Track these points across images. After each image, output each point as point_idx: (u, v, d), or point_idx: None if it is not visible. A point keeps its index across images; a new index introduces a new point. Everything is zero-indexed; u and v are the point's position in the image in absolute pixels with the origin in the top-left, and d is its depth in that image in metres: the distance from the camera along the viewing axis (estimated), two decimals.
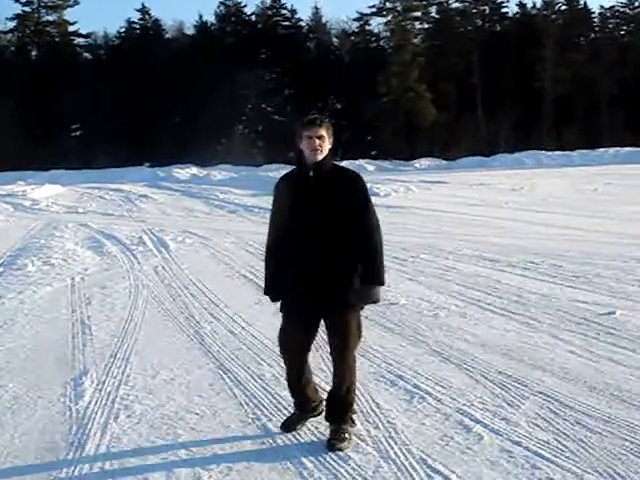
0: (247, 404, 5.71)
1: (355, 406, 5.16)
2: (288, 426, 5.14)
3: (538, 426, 5.13)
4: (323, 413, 5.18)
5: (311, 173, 4.91)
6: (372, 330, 7.78)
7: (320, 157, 4.89)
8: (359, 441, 4.97)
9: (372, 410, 5.53)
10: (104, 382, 6.42)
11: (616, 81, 59.06)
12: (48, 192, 30.48)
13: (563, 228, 15.62)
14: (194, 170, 42.39)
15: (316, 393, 5.25)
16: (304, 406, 5.19)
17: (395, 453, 4.77)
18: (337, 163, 5.13)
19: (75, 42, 65.09)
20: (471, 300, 9.07)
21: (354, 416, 5.11)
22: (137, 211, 22.98)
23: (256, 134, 57.75)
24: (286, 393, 5.52)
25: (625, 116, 57.77)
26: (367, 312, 8.64)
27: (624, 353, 6.73)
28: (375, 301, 4.98)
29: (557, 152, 47.70)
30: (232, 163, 45.45)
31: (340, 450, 4.78)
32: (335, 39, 67.71)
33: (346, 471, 4.56)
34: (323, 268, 4.83)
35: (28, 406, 5.93)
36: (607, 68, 59.18)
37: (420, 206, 21.04)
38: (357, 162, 45.29)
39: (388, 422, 5.29)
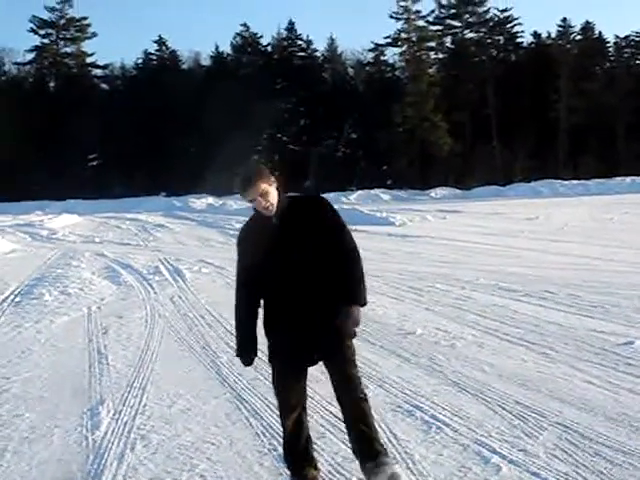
0: (264, 434, 5.69)
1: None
2: None
3: (557, 457, 5.08)
4: None
5: (274, 220, 4.56)
6: (388, 360, 7.76)
7: (273, 209, 4.53)
8: None
9: (389, 441, 5.49)
10: (121, 412, 6.42)
11: (632, 110, 59.06)
12: (65, 222, 30.67)
13: (580, 257, 15.56)
14: (210, 200, 42.59)
15: (314, 458, 4.81)
16: (304, 473, 4.69)
17: None
18: (292, 195, 4.75)
19: (93, 73, 65.81)
20: (488, 330, 9.03)
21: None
22: (153, 240, 23.08)
23: (272, 164, 58.01)
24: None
25: None
26: (383, 342, 8.67)
27: None
28: (356, 324, 4.57)
29: (573, 181, 47.68)
30: None
31: (399, 475, 4.52)
32: (350, 69, 68.11)
33: None
34: (308, 305, 4.51)
35: (45, 436, 5.93)
36: (622, 97, 59.21)
37: (436, 235, 21.03)
38: (372, 191, 45.40)
39: (406, 453, 5.25)
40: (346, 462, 5.10)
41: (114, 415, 6.33)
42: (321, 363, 4.67)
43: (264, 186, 4.51)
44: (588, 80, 60.67)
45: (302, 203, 4.70)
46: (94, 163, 60.66)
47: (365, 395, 4.68)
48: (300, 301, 4.51)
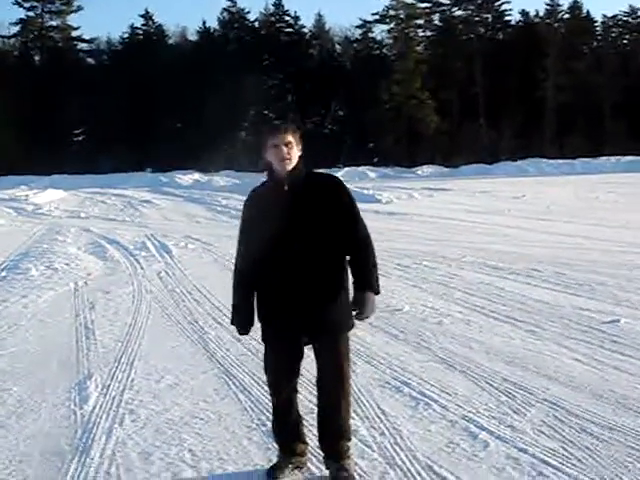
0: (252, 409, 5.70)
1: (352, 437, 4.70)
2: (276, 474, 4.53)
3: (544, 433, 5.12)
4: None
5: (286, 187, 4.43)
6: (376, 337, 7.78)
7: (290, 166, 4.42)
8: (365, 447, 4.96)
9: (378, 417, 5.52)
10: (109, 386, 6.41)
11: (619, 89, 59.13)
12: (50, 197, 30.51)
13: (566, 236, 15.62)
14: (196, 176, 42.42)
15: (304, 433, 4.74)
16: (293, 448, 4.63)
17: (401, 459, 4.76)
18: (312, 170, 4.62)
19: (78, 47, 65.21)
20: (475, 307, 9.07)
21: (350, 445, 4.64)
22: (139, 216, 23.01)
23: (259, 140, 57.76)
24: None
25: (628, 124, 57.82)
26: (371, 319, 8.63)
27: (629, 361, 6.72)
28: (372, 311, 4.51)
29: (559, 160, 47.76)
30: (235, 169, 45.53)
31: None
32: (338, 46, 67.81)
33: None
34: (309, 288, 4.38)
35: (33, 410, 5.92)
36: (610, 77, 59.27)
37: (422, 213, 21.06)
38: (359, 169, 45.36)
39: (394, 428, 5.28)
40: None
41: (102, 390, 6.33)
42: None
43: (292, 138, 4.44)
44: (575, 59, 60.65)
45: (320, 180, 4.57)
46: (80, 138, 60.31)
47: (349, 389, 4.60)
48: (300, 280, 4.37)
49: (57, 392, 6.32)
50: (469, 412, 5.57)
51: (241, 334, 4.75)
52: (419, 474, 4.54)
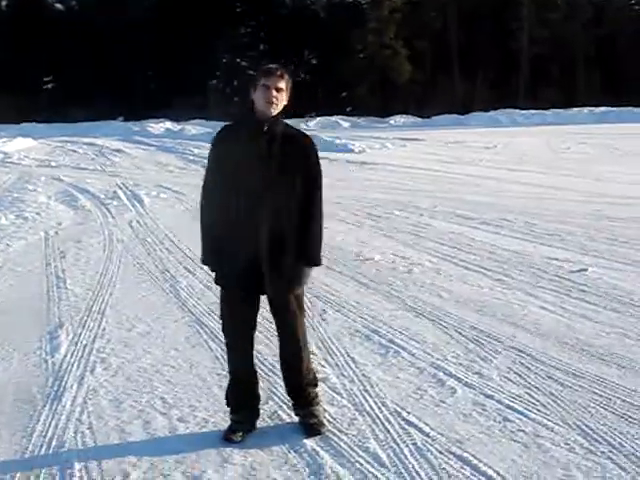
0: (223, 357, 5.70)
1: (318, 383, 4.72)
2: (231, 437, 4.44)
3: (510, 380, 5.22)
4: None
5: (266, 127, 4.32)
6: (347, 285, 7.84)
7: (274, 111, 4.33)
8: (334, 394, 5.03)
9: (347, 364, 5.59)
10: (80, 335, 6.43)
11: (592, 41, 59.03)
12: (20, 145, 30.10)
13: (537, 186, 15.71)
14: (168, 125, 42.00)
15: (259, 392, 4.67)
16: (250, 406, 4.59)
17: (370, 406, 4.83)
18: (289, 123, 4.51)
19: None
20: (445, 256, 9.14)
21: (318, 391, 4.68)
22: (111, 165, 22.80)
23: (231, 89, 57.28)
24: (262, 347, 5.56)
25: (601, 76, 57.86)
26: (342, 267, 8.73)
27: (595, 310, 6.84)
28: (304, 283, 4.51)
29: (532, 111, 47.74)
30: (207, 118, 45.12)
31: (321, 433, 4.44)
32: None
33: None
34: (269, 239, 4.32)
35: (4, 359, 5.93)
36: (584, 27, 59.11)
37: (395, 163, 21.05)
38: (332, 118, 45.13)
39: (363, 375, 5.35)
40: None
41: (73, 338, 6.35)
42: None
43: (284, 85, 4.36)
44: (550, 9, 60.36)
45: (296, 133, 4.48)
46: (49, 86, 59.36)
47: (306, 343, 4.59)
48: (262, 229, 4.30)
49: (28, 341, 6.32)
50: (437, 360, 5.65)
51: (214, 270, 4.57)
52: (387, 420, 4.62)
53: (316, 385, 4.65)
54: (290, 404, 4.70)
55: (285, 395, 4.76)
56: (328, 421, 4.62)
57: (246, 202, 4.32)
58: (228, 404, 4.61)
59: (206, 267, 4.70)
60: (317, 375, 4.76)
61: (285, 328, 4.54)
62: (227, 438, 4.44)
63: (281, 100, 4.37)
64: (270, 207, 4.31)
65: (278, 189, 4.31)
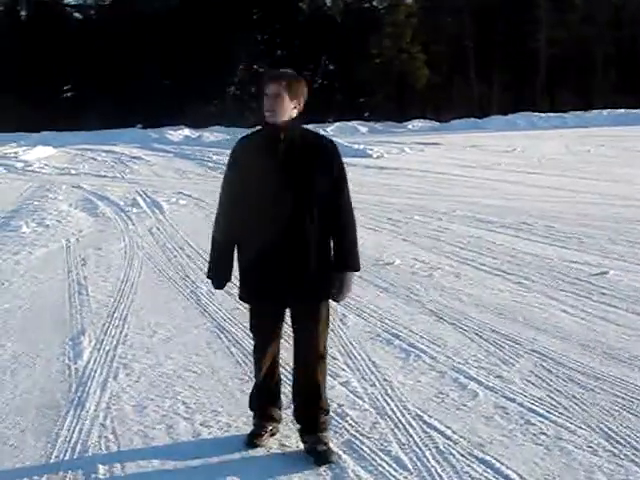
0: (244, 362, 5.76)
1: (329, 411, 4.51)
2: (255, 441, 4.42)
3: (532, 383, 5.22)
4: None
5: (282, 135, 4.17)
6: (367, 290, 7.85)
7: (274, 119, 4.16)
8: (356, 398, 5.05)
9: (368, 368, 5.60)
10: (102, 341, 6.48)
11: (610, 42, 58.77)
12: (40, 154, 30.31)
13: (556, 189, 15.67)
14: (187, 132, 42.17)
15: (281, 399, 4.64)
16: (270, 413, 4.52)
17: (392, 410, 4.84)
18: (308, 128, 4.41)
19: (65, 1, 64.35)
20: (465, 260, 9.14)
21: (328, 418, 4.47)
22: (130, 173, 22.93)
23: (249, 96, 57.45)
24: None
25: (619, 77, 57.58)
26: (362, 272, 8.67)
27: (616, 312, 6.82)
28: (349, 290, 4.40)
29: (550, 114, 47.58)
30: (225, 125, 45.26)
31: (332, 462, 4.19)
32: None
33: (343, 427, 4.63)
34: (296, 250, 4.19)
35: (27, 365, 5.98)
36: (602, 28, 58.86)
37: (413, 167, 21.05)
38: (349, 124, 45.14)
39: (384, 380, 5.36)
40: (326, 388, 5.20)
41: (96, 345, 6.39)
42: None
43: (281, 90, 4.15)
44: (568, 11, 60.14)
45: (316, 137, 4.38)
46: (68, 94, 59.76)
47: (324, 355, 4.42)
48: (289, 239, 4.18)
49: (51, 348, 6.37)
50: (458, 363, 5.65)
51: (216, 288, 4.58)
52: (409, 424, 4.63)
53: (328, 412, 4.44)
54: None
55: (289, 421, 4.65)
56: (350, 425, 4.64)
57: (268, 212, 4.18)
58: (251, 408, 4.58)
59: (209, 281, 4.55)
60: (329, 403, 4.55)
61: (306, 343, 4.35)
62: (251, 442, 4.42)
63: (280, 106, 4.16)
64: (293, 216, 4.16)
65: (300, 197, 4.17)
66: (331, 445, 4.33)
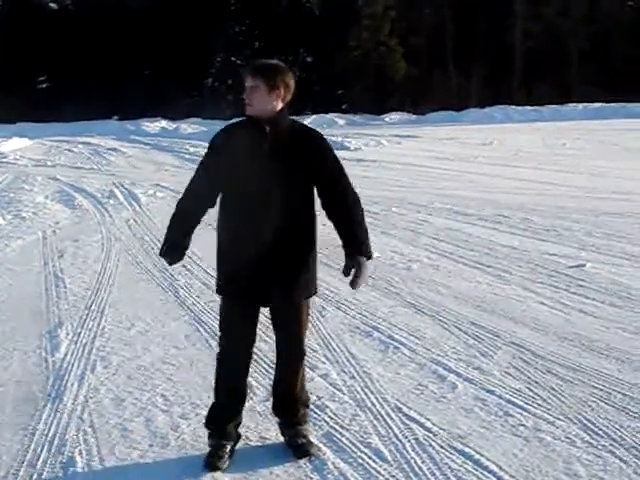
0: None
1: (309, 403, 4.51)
2: (216, 464, 4.11)
3: (510, 375, 5.24)
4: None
5: (267, 128, 4.05)
6: (345, 282, 7.77)
7: (252, 112, 4.05)
8: (335, 390, 5.05)
9: (347, 360, 5.60)
10: (79, 334, 6.43)
11: (586, 36, 59.06)
12: (15, 145, 30.05)
13: (533, 182, 15.73)
14: (164, 123, 41.98)
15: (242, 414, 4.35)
16: (233, 430, 4.25)
17: (371, 402, 4.85)
18: (295, 119, 4.29)
19: None
20: (443, 253, 9.16)
21: (308, 411, 4.46)
22: (107, 164, 22.77)
23: (226, 87, 57.23)
24: (262, 344, 5.55)
25: (594, 71, 57.90)
26: (341, 264, 8.68)
27: (594, 304, 6.86)
28: (366, 279, 4.26)
29: (527, 107, 47.75)
30: (202, 117, 45.09)
31: (312, 455, 4.18)
32: None
33: (323, 419, 4.63)
34: (279, 247, 4.05)
35: (4, 358, 5.94)
36: (577, 22, 59.13)
37: (391, 160, 21.05)
38: (327, 116, 45.11)
39: (364, 372, 5.36)
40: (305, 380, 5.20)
41: (73, 337, 6.35)
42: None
43: (259, 83, 4.03)
44: (544, 4, 60.37)
45: (302, 128, 4.26)
46: (44, 85, 59.27)
47: (304, 352, 4.31)
48: (272, 235, 4.03)
49: (28, 340, 6.33)
50: (437, 355, 5.67)
51: (170, 264, 4.46)
52: (389, 416, 4.64)
53: (308, 406, 4.42)
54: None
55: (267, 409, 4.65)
56: (330, 417, 4.64)
57: (253, 211, 4.04)
58: (208, 426, 4.27)
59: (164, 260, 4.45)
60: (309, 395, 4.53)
61: (290, 342, 4.25)
62: (212, 466, 4.09)
63: (257, 98, 4.04)
64: (278, 209, 4.01)
65: (287, 195, 4.03)
66: (310, 438, 4.32)
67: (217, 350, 4.33)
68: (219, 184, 4.15)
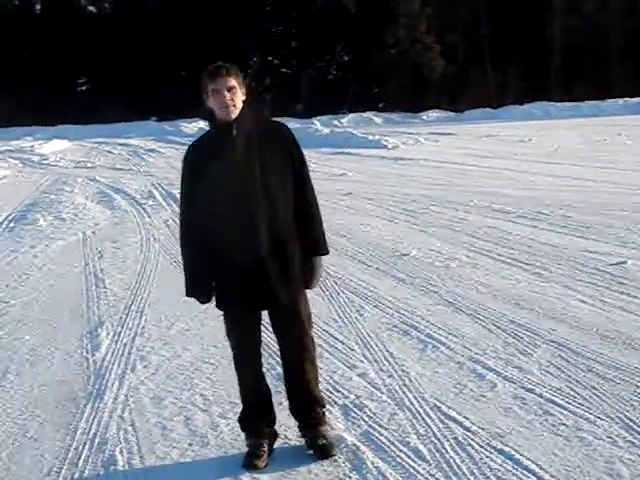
0: (262, 353, 5.75)
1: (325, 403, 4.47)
2: (254, 463, 4.13)
3: (550, 374, 5.19)
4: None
5: (234, 132, 3.97)
6: (384, 281, 7.83)
7: (234, 114, 3.98)
8: (374, 389, 5.04)
9: (386, 359, 5.59)
10: (120, 334, 6.50)
11: (624, 30, 58.36)
12: (56, 147, 30.42)
13: (573, 179, 15.57)
14: (201, 124, 42.13)
15: (275, 413, 4.40)
16: (266, 429, 4.29)
17: (410, 401, 4.83)
18: (256, 112, 4.26)
19: None
20: (482, 251, 9.09)
21: (326, 411, 4.43)
22: (145, 165, 22.97)
23: (263, 87, 57.42)
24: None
25: (634, 66, 57.18)
26: (379, 263, 8.73)
27: (635, 302, 6.76)
28: (320, 275, 4.25)
29: (566, 103, 47.33)
30: None
31: (333, 456, 4.17)
32: None
33: (362, 418, 4.63)
34: (267, 247, 4.00)
35: (46, 358, 6.02)
36: (616, 17, 58.45)
37: (428, 158, 20.97)
38: (364, 115, 45.05)
39: (402, 371, 5.35)
40: (344, 379, 5.20)
41: (113, 337, 6.42)
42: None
43: (235, 82, 4.00)
44: None
45: (267, 123, 4.25)
46: (83, 88, 59.91)
47: (315, 358, 4.32)
48: (253, 235, 3.98)
49: (69, 340, 6.41)
50: (476, 354, 5.63)
51: (203, 302, 4.31)
52: (428, 415, 4.62)
53: (324, 406, 4.38)
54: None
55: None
56: (368, 416, 4.64)
57: (237, 216, 4.00)
58: (243, 428, 4.33)
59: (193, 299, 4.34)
60: (324, 396, 4.51)
61: (293, 342, 4.24)
62: (251, 465, 4.12)
63: (238, 99, 4.01)
64: (265, 209, 3.99)
65: (269, 187, 4.00)
66: (330, 438, 4.27)
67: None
68: (204, 201, 4.08)
